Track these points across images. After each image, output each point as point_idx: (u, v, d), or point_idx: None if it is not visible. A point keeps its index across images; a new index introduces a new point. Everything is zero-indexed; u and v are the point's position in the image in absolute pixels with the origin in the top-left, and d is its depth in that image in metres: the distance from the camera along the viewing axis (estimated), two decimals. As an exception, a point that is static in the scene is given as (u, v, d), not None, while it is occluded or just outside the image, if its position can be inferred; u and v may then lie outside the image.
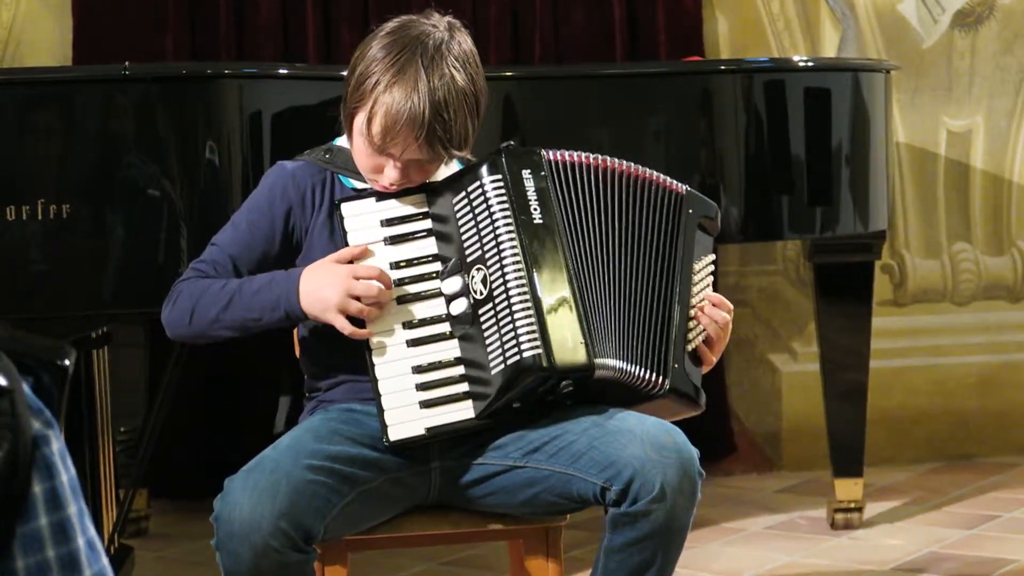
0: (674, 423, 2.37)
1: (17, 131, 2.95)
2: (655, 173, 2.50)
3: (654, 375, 2.38)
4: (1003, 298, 4.76)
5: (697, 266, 2.48)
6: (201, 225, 2.98)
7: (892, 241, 4.65)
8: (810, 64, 3.82)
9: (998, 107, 4.71)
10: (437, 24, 2.40)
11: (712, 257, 2.52)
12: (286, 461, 2.25)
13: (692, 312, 2.45)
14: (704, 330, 2.46)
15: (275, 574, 2.19)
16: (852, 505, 3.95)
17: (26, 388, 1.32)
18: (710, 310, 2.47)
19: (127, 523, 3.76)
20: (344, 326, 2.33)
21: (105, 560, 1.38)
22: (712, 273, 2.51)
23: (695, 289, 2.47)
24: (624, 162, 2.48)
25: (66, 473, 1.35)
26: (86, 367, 3.21)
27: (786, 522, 4.06)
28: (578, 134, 3.38)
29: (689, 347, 2.44)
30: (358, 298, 2.33)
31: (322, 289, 2.34)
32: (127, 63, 2.99)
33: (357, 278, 2.33)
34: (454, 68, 2.35)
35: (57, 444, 1.34)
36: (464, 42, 2.41)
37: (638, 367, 2.37)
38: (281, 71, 3.23)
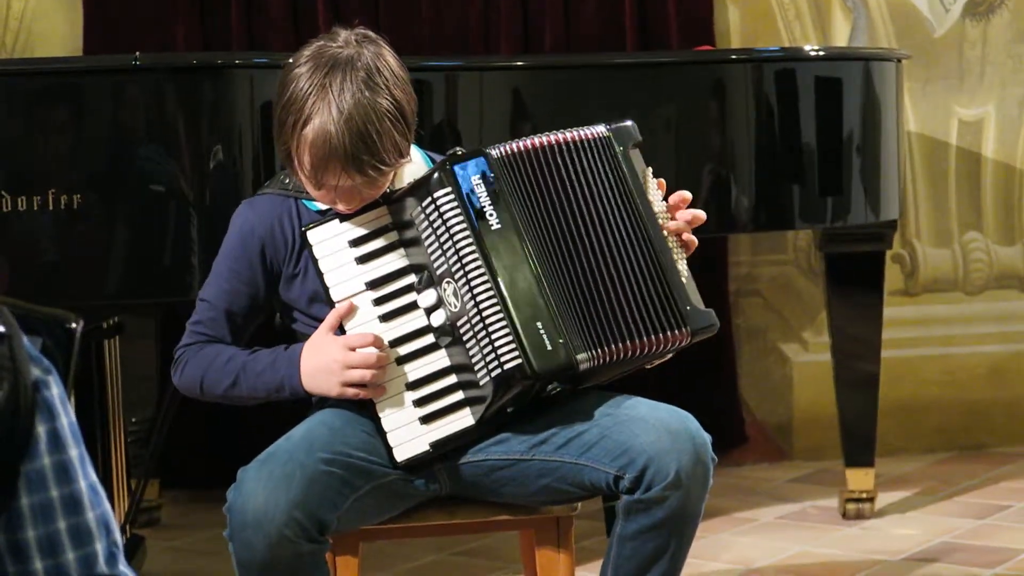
0: (685, 408, 2.37)
1: (28, 122, 2.96)
2: (573, 131, 2.42)
3: (674, 331, 2.35)
4: (1014, 287, 4.75)
5: (650, 191, 2.41)
6: (211, 215, 2.98)
7: (903, 231, 4.64)
8: (821, 53, 3.81)
9: (1009, 96, 4.70)
10: (344, 44, 2.34)
11: (649, 169, 2.43)
12: (300, 452, 2.26)
13: (665, 235, 2.39)
14: (682, 244, 2.41)
15: (289, 564, 2.20)
16: (863, 495, 3.95)
17: (25, 340, 1.35)
18: (677, 218, 2.42)
19: (138, 513, 3.77)
20: (354, 395, 2.35)
21: (108, 505, 1.40)
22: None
23: (657, 209, 2.40)
24: (556, 133, 2.42)
25: (66, 417, 1.38)
26: (97, 358, 3.22)
27: (797, 512, 4.05)
28: (588, 124, 3.37)
29: (683, 277, 2.38)
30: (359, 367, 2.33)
31: (322, 370, 2.34)
32: (138, 53, 3.00)
33: (352, 349, 2.33)
34: (366, 87, 2.28)
35: (57, 389, 1.37)
36: (373, 55, 2.33)
37: (653, 333, 2.34)
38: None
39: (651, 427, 2.28)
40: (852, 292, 3.94)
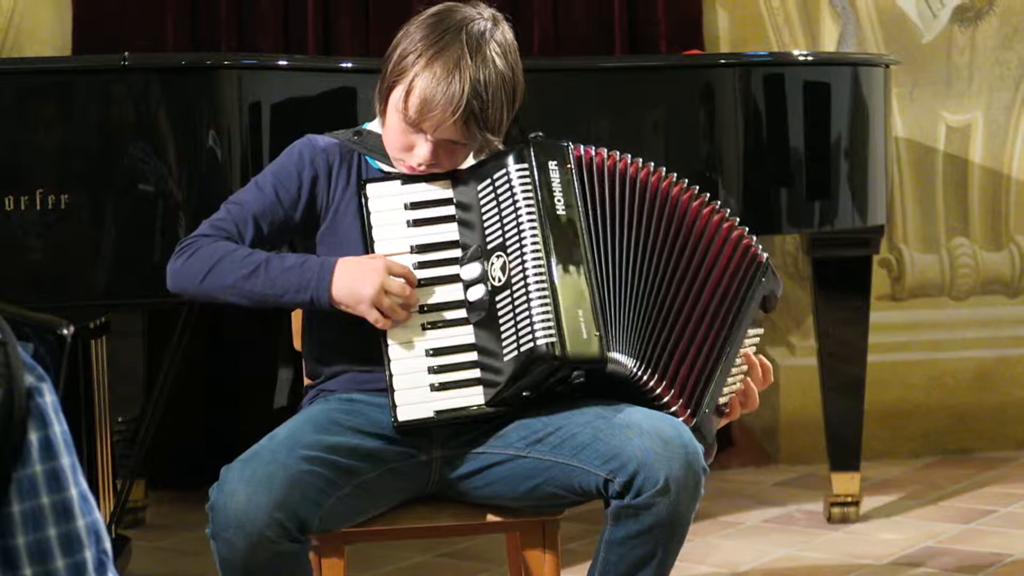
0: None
1: (16, 120, 2.95)
2: (733, 220, 2.49)
3: (685, 409, 2.39)
4: (1001, 293, 4.76)
5: (750, 331, 2.48)
6: (200, 216, 2.98)
7: (890, 235, 4.65)
8: (810, 58, 3.82)
9: (997, 102, 4.71)
10: (482, 12, 2.43)
11: (761, 331, 2.51)
12: (282, 451, 2.26)
13: (734, 371, 2.45)
14: (735, 390, 2.47)
15: (270, 564, 2.20)
16: (849, 499, 3.95)
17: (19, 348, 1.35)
18: (755, 372, 2.49)
19: (124, 513, 3.76)
20: (377, 319, 2.35)
21: (98, 514, 1.41)
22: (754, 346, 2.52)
23: (741, 350, 2.47)
24: (673, 179, 2.47)
25: (59, 425, 1.38)
26: (84, 357, 3.21)
27: (783, 516, 4.06)
28: (577, 127, 3.38)
29: (722, 400, 2.44)
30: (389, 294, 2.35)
31: (358, 281, 2.35)
32: (126, 53, 3.00)
33: (392, 273, 2.35)
34: (496, 54, 2.38)
35: (50, 397, 1.37)
36: (507, 32, 2.44)
37: (673, 390, 2.38)
38: (281, 62, 3.23)
39: (644, 433, 2.29)
40: (839, 296, 3.95)
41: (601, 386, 2.39)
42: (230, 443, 4.19)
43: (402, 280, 2.35)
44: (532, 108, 3.41)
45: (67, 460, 1.38)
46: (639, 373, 2.36)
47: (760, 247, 2.50)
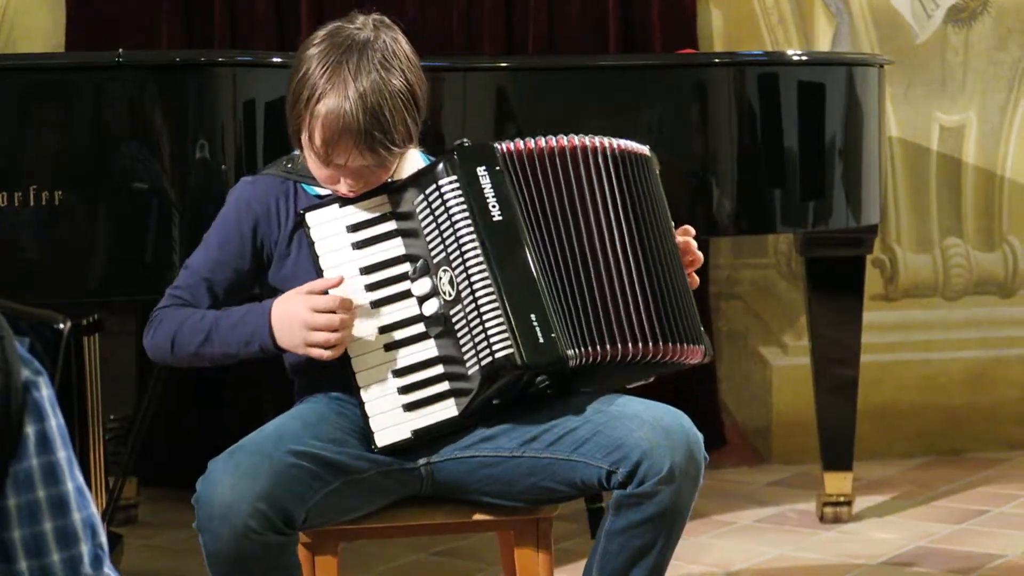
0: (676, 406, 2.38)
1: (9, 117, 2.95)
2: (613, 140, 2.47)
3: (693, 345, 2.40)
4: (994, 293, 4.77)
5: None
6: (193, 213, 2.98)
7: (884, 236, 4.65)
8: (804, 58, 3.81)
9: (991, 102, 4.71)
10: (362, 26, 2.38)
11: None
12: (268, 445, 2.27)
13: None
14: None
15: (256, 556, 2.20)
16: (841, 499, 3.96)
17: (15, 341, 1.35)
18: (692, 249, 2.51)
19: (116, 511, 3.76)
20: (320, 355, 2.34)
21: (94, 508, 1.41)
22: None
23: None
24: (579, 137, 2.45)
25: (56, 419, 1.39)
26: (77, 355, 3.21)
27: (776, 515, 4.06)
28: (571, 126, 3.35)
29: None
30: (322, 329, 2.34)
31: (287, 325, 2.35)
32: (121, 50, 2.99)
33: (316, 311, 2.33)
34: (382, 68, 2.32)
35: (47, 391, 1.38)
36: (391, 39, 2.38)
37: (670, 342, 2.38)
38: (275, 59, 3.22)
39: (646, 423, 2.29)
40: (832, 296, 3.95)
41: (609, 374, 2.40)
42: (222, 441, 4.20)
43: (328, 314, 2.32)
44: (526, 108, 3.42)
45: (63, 454, 1.38)
46: (606, 352, 2.35)
47: (636, 144, 2.48)
